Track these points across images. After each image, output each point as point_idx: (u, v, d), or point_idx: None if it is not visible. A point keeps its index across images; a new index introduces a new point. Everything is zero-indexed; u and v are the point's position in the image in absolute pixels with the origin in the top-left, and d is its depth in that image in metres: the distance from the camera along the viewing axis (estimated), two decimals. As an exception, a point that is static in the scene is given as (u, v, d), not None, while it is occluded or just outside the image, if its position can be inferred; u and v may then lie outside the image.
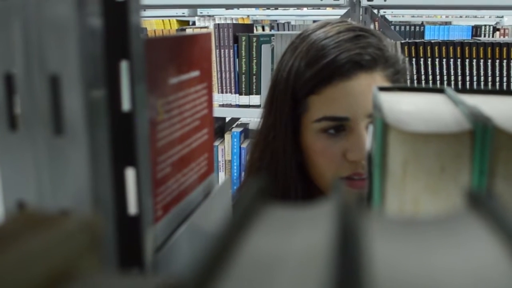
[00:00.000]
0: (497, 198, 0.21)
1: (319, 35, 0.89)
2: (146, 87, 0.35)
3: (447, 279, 0.17)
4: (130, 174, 0.34)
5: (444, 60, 2.05)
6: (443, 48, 2.05)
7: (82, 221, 0.19)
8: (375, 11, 2.44)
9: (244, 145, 2.45)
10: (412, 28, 4.29)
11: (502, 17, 4.91)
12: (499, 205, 0.21)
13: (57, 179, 0.32)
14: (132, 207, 0.34)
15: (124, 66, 0.33)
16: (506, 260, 0.18)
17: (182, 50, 0.45)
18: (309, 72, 0.86)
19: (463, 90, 0.42)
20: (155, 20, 3.54)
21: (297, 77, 0.88)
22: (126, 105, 0.33)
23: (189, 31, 2.71)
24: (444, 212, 0.23)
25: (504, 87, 2.04)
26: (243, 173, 2.42)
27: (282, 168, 0.91)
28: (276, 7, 3.80)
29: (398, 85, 0.45)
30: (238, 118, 2.68)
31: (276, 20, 5.21)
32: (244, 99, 2.30)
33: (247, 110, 2.30)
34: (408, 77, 0.93)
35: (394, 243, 0.19)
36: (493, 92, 0.42)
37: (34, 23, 0.31)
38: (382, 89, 0.43)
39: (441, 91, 0.42)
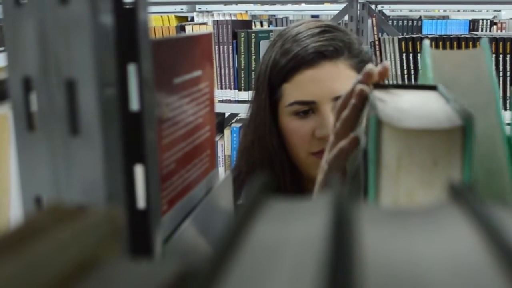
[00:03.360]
0: (476, 191, 0.22)
1: (293, 31, 1.03)
2: (153, 88, 0.36)
3: (427, 264, 0.19)
4: (138, 171, 0.36)
5: (441, 55, 2.06)
6: (440, 43, 2.06)
7: (105, 213, 0.21)
8: (373, 6, 2.44)
9: (243, 141, 2.45)
10: (410, 22, 4.29)
11: (499, 11, 4.91)
12: (478, 197, 0.22)
13: (73, 176, 0.34)
14: (141, 202, 0.36)
15: (132, 68, 0.35)
16: (481, 247, 0.19)
17: (186, 50, 0.47)
18: (282, 63, 1.00)
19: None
20: (154, 16, 3.54)
21: (273, 68, 1.01)
22: (134, 105, 0.35)
23: (188, 28, 2.72)
24: (427, 204, 0.25)
25: (501, 82, 2.06)
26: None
27: (269, 151, 1.03)
28: (274, 3, 3.80)
29: (393, 83, 0.47)
30: (237, 114, 2.69)
31: (274, 15, 5.21)
32: (243, 95, 2.31)
33: (246, 105, 2.30)
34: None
35: (381, 231, 0.21)
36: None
37: (49, 26, 0.33)
38: (377, 86, 0.45)
39: (433, 88, 0.44)
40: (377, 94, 0.42)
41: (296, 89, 0.99)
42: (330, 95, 0.96)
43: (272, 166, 1.02)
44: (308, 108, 0.98)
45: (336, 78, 0.97)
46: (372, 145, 0.34)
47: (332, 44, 0.98)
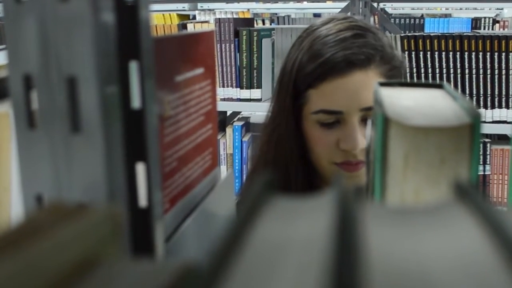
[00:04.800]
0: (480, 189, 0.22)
1: (322, 32, 0.97)
2: (155, 85, 0.36)
3: (433, 263, 0.18)
4: (140, 169, 0.35)
5: (444, 53, 2.06)
6: (443, 41, 2.05)
7: (106, 212, 0.21)
8: (375, 4, 2.44)
9: (245, 139, 2.46)
10: (412, 20, 4.28)
11: (502, 9, 4.90)
12: (483, 196, 0.22)
13: (74, 174, 0.33)
14: (143, 200, 0.36)
15: (133, 66, 0.34)
16: (488, 246, 0.19)
17: (188, 48, 0.47)
18: (309, 67, 0.94)
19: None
20: (156, 15, 3.54)
21: (299, 70, 0.95)
22: (136, 102, 0.35)
23: (190, 26, 2.72)
24: (433, 202, 0.24)
25: (504, 80, 2.05)
26: (244, 166, 2.44)
27: (285, 152, 0.99)
28: (276, 1, 3.80)
29: (398, 80, 0.47)
30: (239, 112, 2.69)
31: (276, 14, 5.20)
32: (245, 93, 2.31)
33: (248, 104, 2.31)
34: (406, 72, 1.01)
35: (386, 229, 0.21)
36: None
37: (49, 23, 0.32)
38: (383, 84, 0.44)
39: (439, 86, 0.44)
40: (383, 91, 0.42)
41: (323, 97, 0.93)
42: (359, 106, 0.91)
43: (286, 169, 0.99)
44: (334, 118, 0.93)
45: (366, 88, 0.91)
46: (378, 142, 0.34)
47: (363, 52, 0.92)
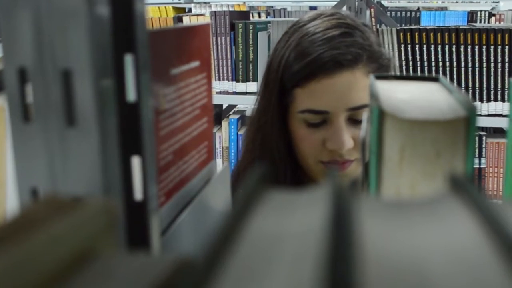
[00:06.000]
0: (476, 183, 0.22)
1: (309, 29, 0.95)
2: (150, 79, 0.36)
3: (429, 256, 0.18)
4: (135, 162, 0.35)
5: (440, 46, 2.06)
6: (439, 34, 2.06)
7: (101, 205, 0.21)
8: (371, -3, 2.44)
9: (241, 132, 2.46)
10: (408, 14, 4.28)
11: (498, 2, 4.90)
12: (478, 189, 0.22)
13: (69, 167, 0.33)
14: (138, 193, 0.36)
15: (129, 59, 0.34)
16: (483, 239, 0.19)
17: (183, 41, 0.46)
18: (296, 66, 0.93)
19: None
20: (151, 8, 3.53)
21: (285, 69, 0.94)
22: (131, 96, 0.35)
23: (185, 19, 2.71)
24: (428, 195, 0.25)
25: (499, 73, 2.06)
26: (240, 159, 2.44)
27: (271, 151, 0.99)
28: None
29: (394, 74, 0.47)
30: (235, 105, 2.69)
31: (272, 7, 5.20)
32: (241, 86, 2.31)
33: (244, 97, 2.31)
34: (392, 69, 1.01)
35: (381, 222, 0.21)
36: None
37: (44, 16, 0.32)
38: (379, 77, 0.44)
39: (435, 79, 0.44)
40: (379, 84, 0.42)
41: (309, 97, 0.92)
42: (345, 105, 0.91)
43: (274, 167, 0.97)
44: (320, 118, 0.93)
45: (353, 88, 0.90)
46: (374, 136, 0.34)
47: (350, 51, 0.91)
